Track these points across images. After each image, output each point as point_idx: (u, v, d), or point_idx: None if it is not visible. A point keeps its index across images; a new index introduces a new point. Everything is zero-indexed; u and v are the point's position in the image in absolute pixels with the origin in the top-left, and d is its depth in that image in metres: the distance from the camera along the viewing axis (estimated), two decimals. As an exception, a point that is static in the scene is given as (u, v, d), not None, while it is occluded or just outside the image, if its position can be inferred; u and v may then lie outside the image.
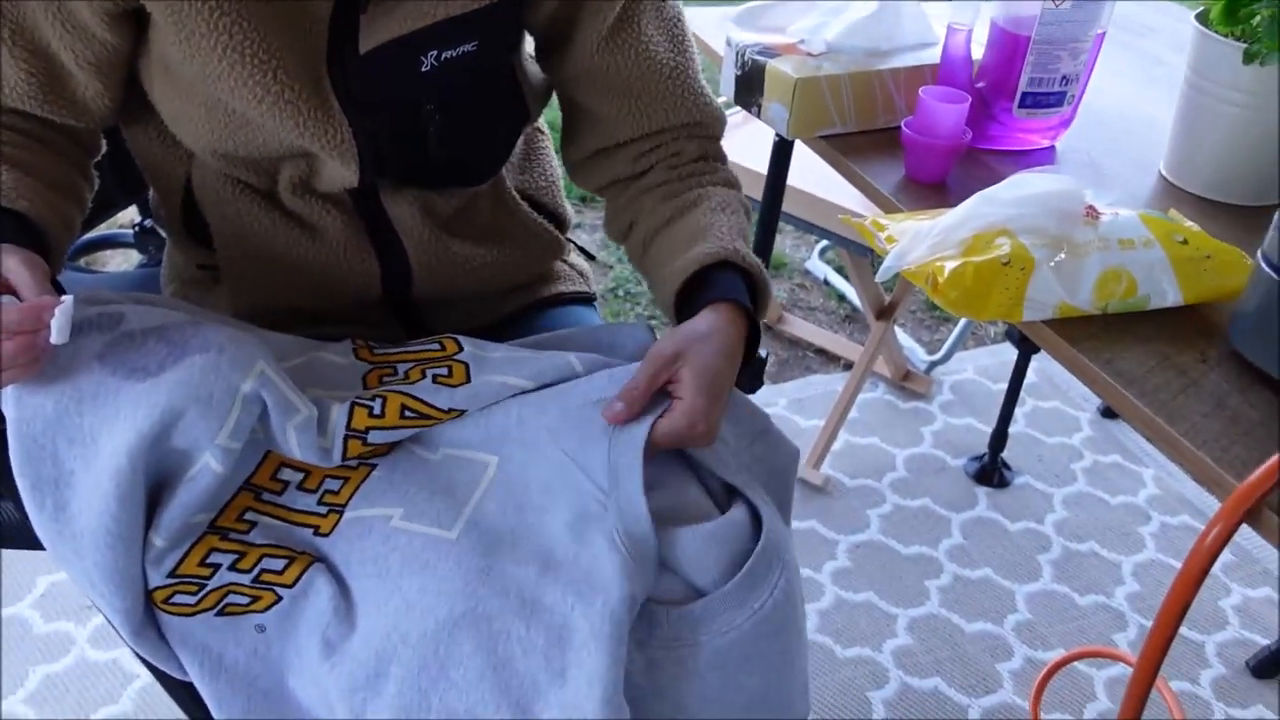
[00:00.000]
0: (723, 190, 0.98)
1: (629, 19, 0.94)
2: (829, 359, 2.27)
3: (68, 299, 0.76)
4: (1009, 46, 1.14)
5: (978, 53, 1.18)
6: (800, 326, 2.33)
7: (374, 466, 0.84)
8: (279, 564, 0.80)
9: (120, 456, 0.75)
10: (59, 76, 0.86)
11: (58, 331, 0.75)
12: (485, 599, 0.76)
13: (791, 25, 1.23)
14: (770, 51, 1.20)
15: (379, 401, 0.84)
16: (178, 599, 0.81)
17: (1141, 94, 1.42)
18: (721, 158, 1.04)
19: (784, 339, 2.31)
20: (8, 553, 1.64)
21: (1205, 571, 0.76)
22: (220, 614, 0.81)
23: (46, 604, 1.59)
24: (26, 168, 0.86)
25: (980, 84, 1.18)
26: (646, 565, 0.79)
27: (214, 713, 0.83)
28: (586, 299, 1.16)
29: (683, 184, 0.99)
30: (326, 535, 0.81)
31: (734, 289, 0.90)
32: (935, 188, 1.14)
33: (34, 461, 0.77)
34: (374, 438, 0.83)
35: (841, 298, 2.46)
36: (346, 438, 0.82)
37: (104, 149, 0.97)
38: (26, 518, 0.83)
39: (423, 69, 0.88)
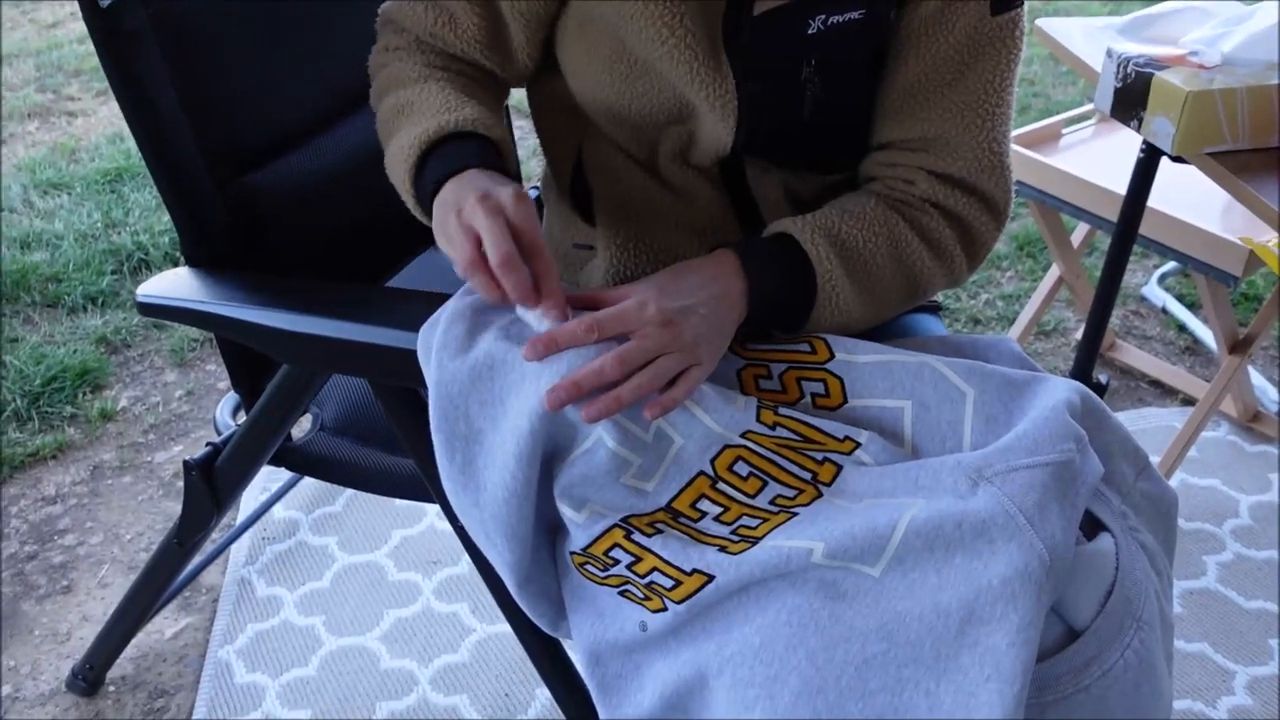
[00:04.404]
0: (911, 235, 0.95)
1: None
2: (1165, 391, 2.13)
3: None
4: None
5: (1402, 67, 1.08)
6: (1134, 355, 2.19)
7: (795, 515, 0.83)
8: (668, 582, 0.82)
9: (523, 419, 0.82)
10: (500, 26, 0.97)
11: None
12: (900, 645, 0.75)
13: (1185, 36, 1.17)
14: (1157, 63, 1.14)
15: (778, 428, 0.86)
16: (589, 568, 0.87)
17: None
18: (968, 227, 0.97)
19: (1115, 366, 2.19)
20: (367, 506, 1.82)
21: None
22: (621, 595, 0.87)
23: (399, 555, 1.75)
24: (488, 105, 0.96)
25: (1403, 101, 1.07)
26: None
27: (582, 670, 0.90)
28: (932, 307, 1.15)
29: (886, 206, 0.95)
30: (734, 555, 0.81)
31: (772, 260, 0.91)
32: (1342, 212, 1.05)
33: (449, 419, 0.86)
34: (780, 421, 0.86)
35: (1181, 327, 2.30)
36: (759, 407, 0.86)
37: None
38: (423, 474, 0.92)
39: (809, 31, 0.91)
